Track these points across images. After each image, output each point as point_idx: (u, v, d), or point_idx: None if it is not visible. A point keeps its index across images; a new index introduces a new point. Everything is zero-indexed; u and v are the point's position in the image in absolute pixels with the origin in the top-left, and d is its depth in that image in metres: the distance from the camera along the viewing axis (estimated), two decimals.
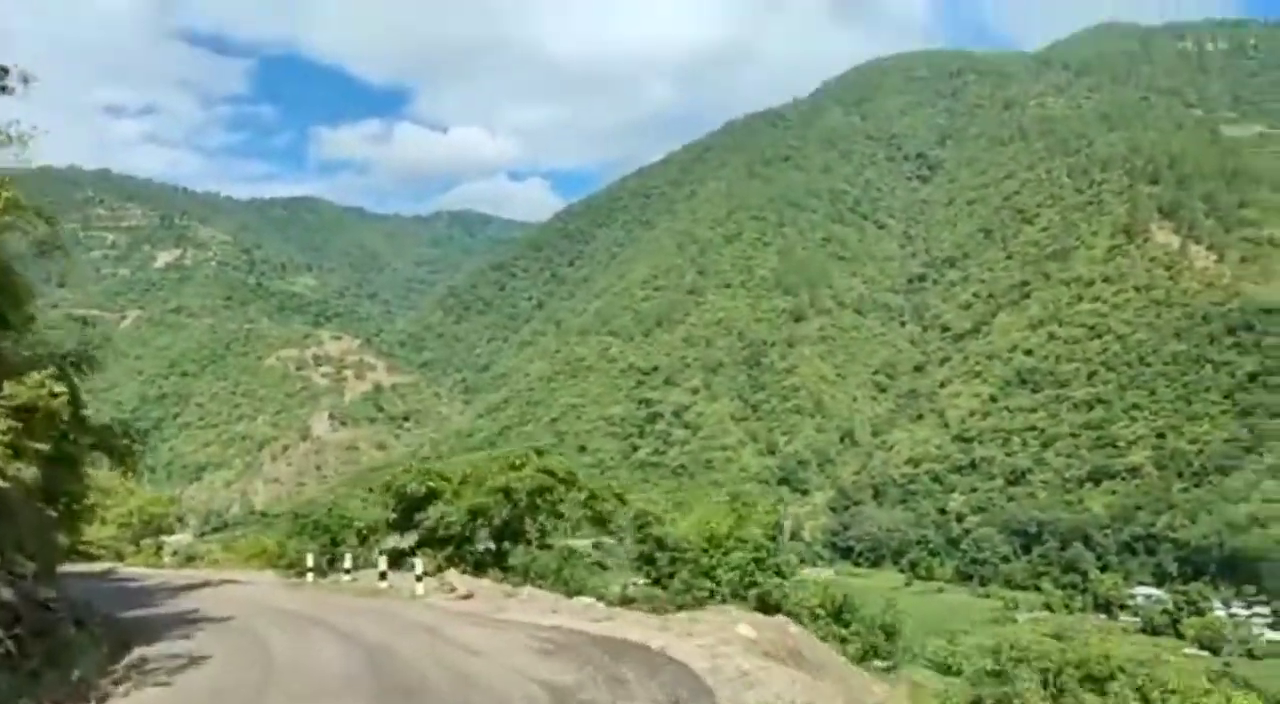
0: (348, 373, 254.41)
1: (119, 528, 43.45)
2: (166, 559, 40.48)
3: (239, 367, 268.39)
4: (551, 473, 26.18)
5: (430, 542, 25.51)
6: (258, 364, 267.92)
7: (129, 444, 20.08)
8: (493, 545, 25.78)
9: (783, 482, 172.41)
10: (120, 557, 40.14)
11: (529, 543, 25.23)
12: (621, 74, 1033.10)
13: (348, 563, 25.19)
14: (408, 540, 26.65)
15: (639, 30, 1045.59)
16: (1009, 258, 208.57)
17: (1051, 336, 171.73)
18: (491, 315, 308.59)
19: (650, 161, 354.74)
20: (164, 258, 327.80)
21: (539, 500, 25.50)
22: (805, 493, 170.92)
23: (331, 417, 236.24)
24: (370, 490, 34.25)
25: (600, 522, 26.89)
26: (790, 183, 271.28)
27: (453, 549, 25.27)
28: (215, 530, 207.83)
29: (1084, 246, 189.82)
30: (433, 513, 25.33)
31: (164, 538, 46.01)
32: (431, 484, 26.01)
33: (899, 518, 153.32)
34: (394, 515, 26.88)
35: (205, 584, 25.49)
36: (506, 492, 25.06)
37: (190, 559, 41.89)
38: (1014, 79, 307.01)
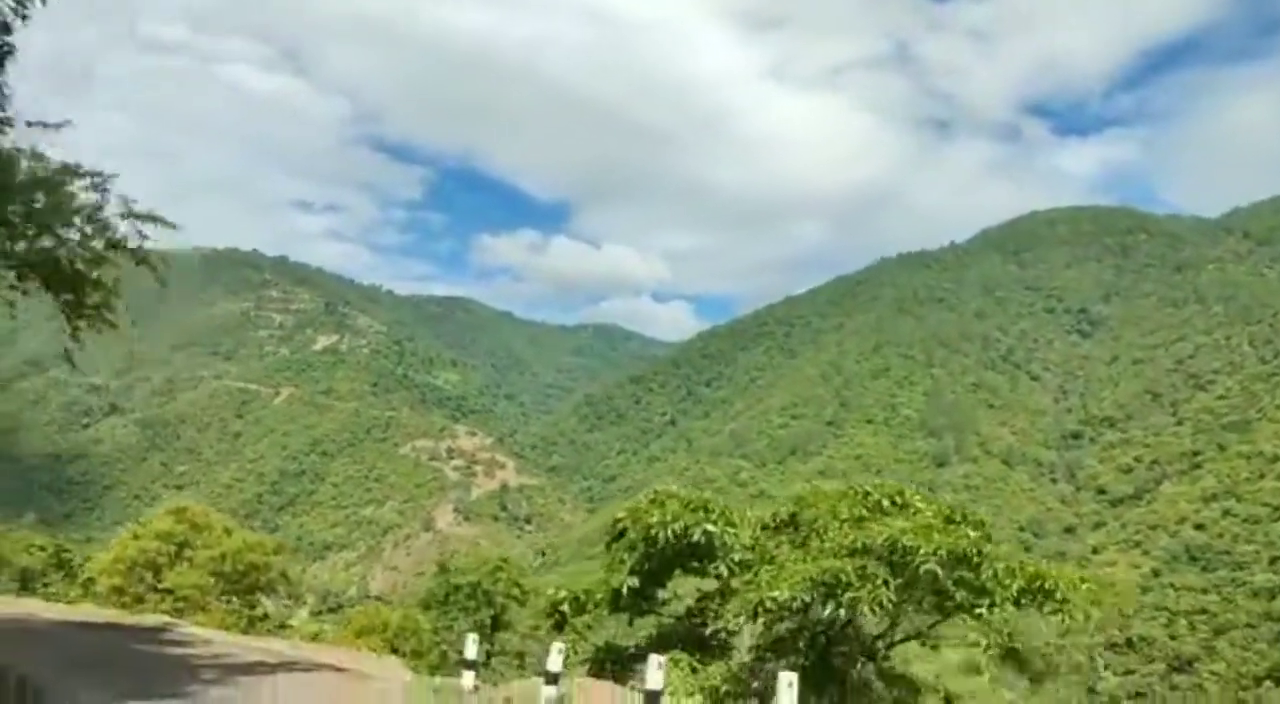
0: (478, 469, 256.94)
1: (209, 576, 34.46)
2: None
3: (375, 452, 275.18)
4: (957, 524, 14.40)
5: (688, 638, 15.08)
6: (393, 451, 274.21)
7: None
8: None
9: None
10: (202, 609, 32.27)
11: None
12: (773, 210, 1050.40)
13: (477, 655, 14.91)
14: (640, 630, 16.34)
15: (795, 169, 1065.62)
16: (1179, 423, 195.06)
17: (1227, 513, 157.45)
18: (624, 427, 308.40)
19: (797, 292, 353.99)
20: (323, 341, 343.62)
21: (958, 573, 13.28)
22: None
23: (456, 511, 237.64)
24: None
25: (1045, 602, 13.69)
26: (942, 323, 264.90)
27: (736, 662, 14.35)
28: (330, 610, 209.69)
29: (1266, 419, 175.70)
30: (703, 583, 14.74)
31: (261, 597, 36.70)
32: (714, 526, 14.27)
33: (1047, 695, 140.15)
34: (628, 581, 14.92)
35: (286, 666, 15.66)
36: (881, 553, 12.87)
37: (281, 627, 36.21)
38: (1187, 241, 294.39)
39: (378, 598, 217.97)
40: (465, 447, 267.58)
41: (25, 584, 46.00)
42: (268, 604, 36.91)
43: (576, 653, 15.77)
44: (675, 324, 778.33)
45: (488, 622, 18.68)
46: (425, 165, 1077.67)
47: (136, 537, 34.86)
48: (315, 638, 33.52)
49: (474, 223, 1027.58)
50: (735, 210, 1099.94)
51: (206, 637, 20.63)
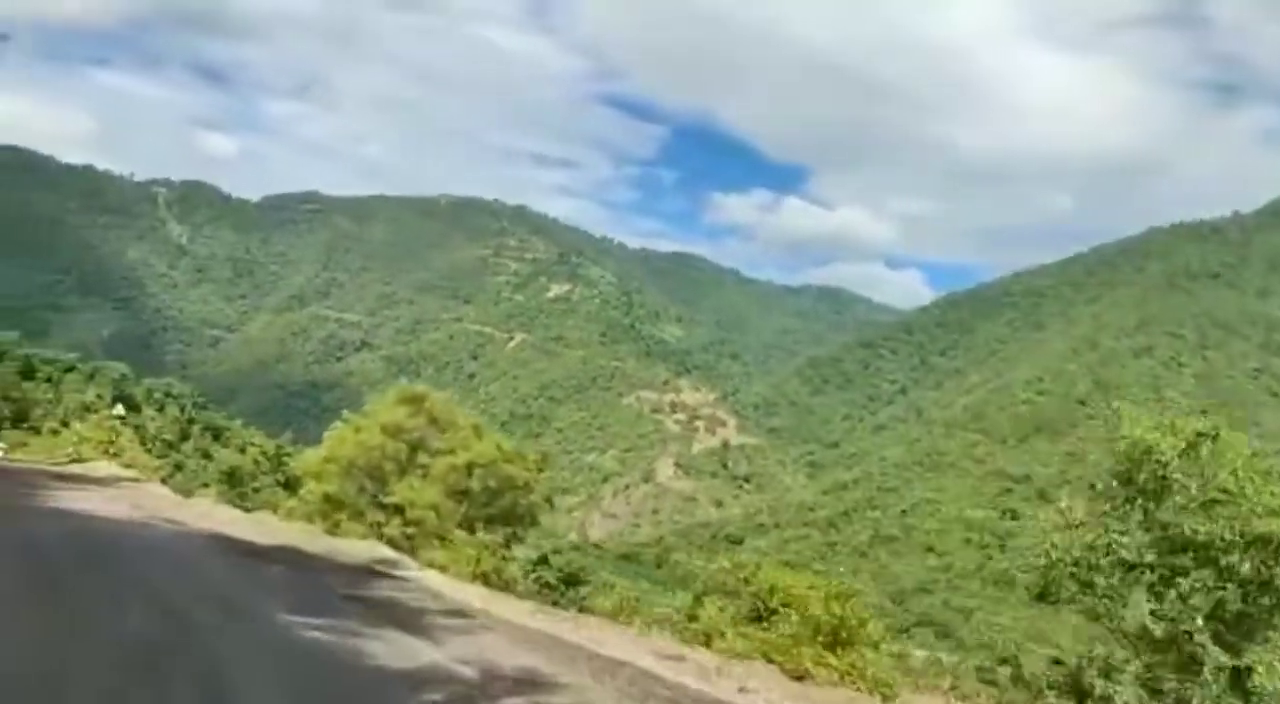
0: (699, 424, 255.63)
1: (448, 493, 25.89)
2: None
3: (600, 400, 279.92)
4: None
5: None
6: (617, 400, 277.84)
7: None
8: None
9: None
10: (441, 538, 23.33)
11: None
12: (1017, 176, 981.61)
13: None
14: None
15: (1046, 135, 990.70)
16: None
17: None
18: (850, 392, 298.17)
19: (1045, 262, 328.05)
20: (555, 290, 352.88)
21: None
22: None
23: (677, 464, 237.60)
24: None
25: None
26: (1219, 301, 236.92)
27: None
28: (554, 552, 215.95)
29: None
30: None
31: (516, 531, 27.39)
32: None
33: None
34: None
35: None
36: None
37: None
38: None
39: (595, 545, 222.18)
40: (688, 401, 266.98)
41: (233, 484, 44.68)
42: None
43: None
44: (904, 290, 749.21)
45: None
46: (661, 123, 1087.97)
47: (358, 430, 27.83)
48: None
49: (706, 181, 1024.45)
50: (977, 176, 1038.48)
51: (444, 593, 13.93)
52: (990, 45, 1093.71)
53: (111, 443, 40.69)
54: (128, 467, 34.57)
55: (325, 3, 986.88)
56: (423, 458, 26.30)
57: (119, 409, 42.48)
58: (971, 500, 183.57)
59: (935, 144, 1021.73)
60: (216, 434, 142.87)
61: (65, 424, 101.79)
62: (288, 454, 51.41)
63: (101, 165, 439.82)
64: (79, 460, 35.65)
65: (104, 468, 33.05)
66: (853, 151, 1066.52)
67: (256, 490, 43.45)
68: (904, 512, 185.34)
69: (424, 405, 27.85)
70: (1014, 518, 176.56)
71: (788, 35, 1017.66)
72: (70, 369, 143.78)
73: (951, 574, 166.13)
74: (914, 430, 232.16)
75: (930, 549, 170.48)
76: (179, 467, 67.76)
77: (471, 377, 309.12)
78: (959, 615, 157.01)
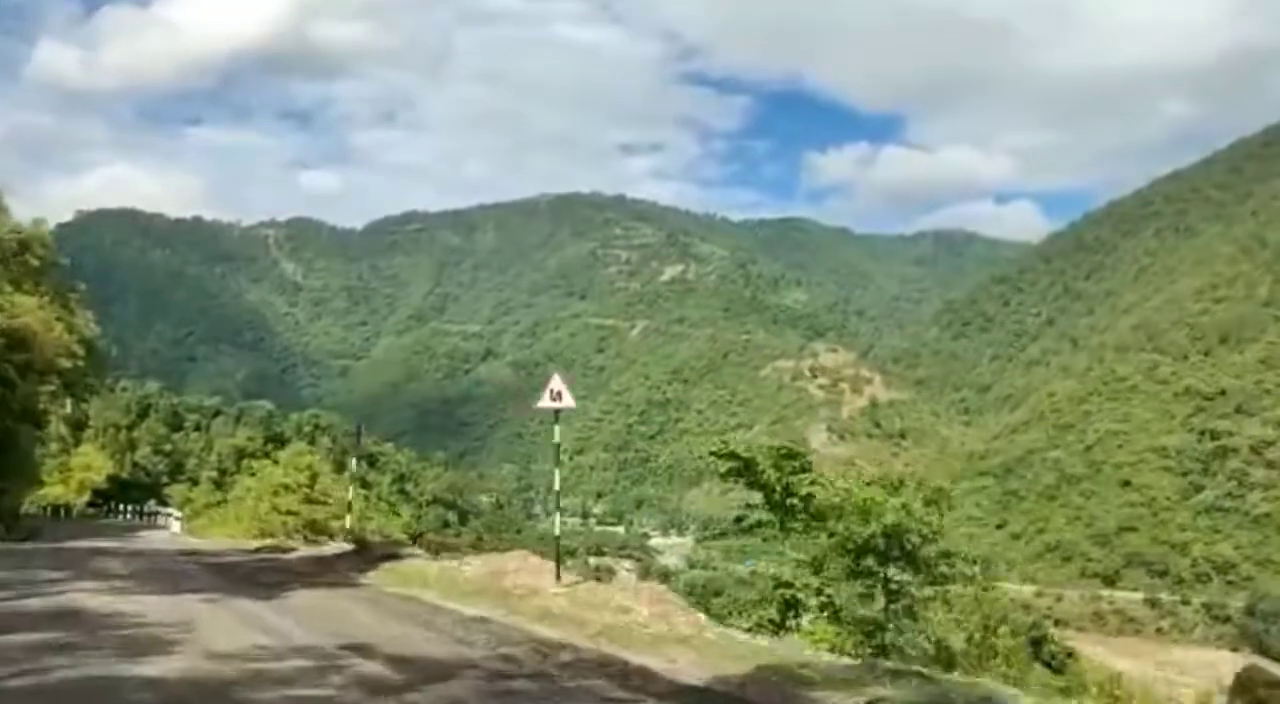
0: (844, 386, 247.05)
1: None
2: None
3: (736, 376, 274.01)
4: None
5: None
6: (753, 374, 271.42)
7: None
8: None
9: None
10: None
11: None
12: (1124, 92, 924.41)
13: None
14: None
15: (1150, 44, 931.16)
16: None
17: None
18: (993, 332, 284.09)
19: (1183, 166, 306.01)
20: (669, 272, 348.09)
21: None
22: None
23: (829, 430, 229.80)
24: None
25: None
26: None
27: None
28: (715, 537, 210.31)
29: None
30: None
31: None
32: None
33: None
34: None
35: None
36: None
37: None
38: None
39: None
40: (827, 364, 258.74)
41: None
42: None
43: None
44: (1020, 223, 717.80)
45: None
46: (744, 94, 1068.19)
47: None
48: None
49: (799, 144, 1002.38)
50: (1082, 98, 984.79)
51: None
52: None
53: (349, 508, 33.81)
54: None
55: (401, 30, 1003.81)
56: None
57: (352, 465, 35.76)
58: (1162, 425, 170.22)
59: (1033, 71, 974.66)
60: (372, 461, 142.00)
61: (223, 472, 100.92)
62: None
63: (209, 216, 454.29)
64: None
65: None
66: (949, 91, 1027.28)
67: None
68: (1088, 447, 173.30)
69: None
70: (1213, 438, 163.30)
71: None
72: (216, 413, 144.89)
73: (1155, 508, 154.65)
74: (1069, 359, 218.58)
75: (1126, 483, 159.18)
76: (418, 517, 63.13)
77: (600, 370, 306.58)
78: (1174, 551, 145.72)
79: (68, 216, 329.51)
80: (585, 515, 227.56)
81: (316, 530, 28.80)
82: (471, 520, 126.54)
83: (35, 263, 35.77)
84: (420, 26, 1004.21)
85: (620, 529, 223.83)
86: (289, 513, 29.62)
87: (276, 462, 35.74)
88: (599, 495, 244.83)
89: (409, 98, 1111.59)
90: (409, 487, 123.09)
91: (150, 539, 34.09)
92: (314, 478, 31.73)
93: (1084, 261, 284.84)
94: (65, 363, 33.67)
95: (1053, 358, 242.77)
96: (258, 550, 23.94)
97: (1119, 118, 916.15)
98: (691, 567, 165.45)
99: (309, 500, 30.47)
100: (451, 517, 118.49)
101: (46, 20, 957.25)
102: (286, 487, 31.23)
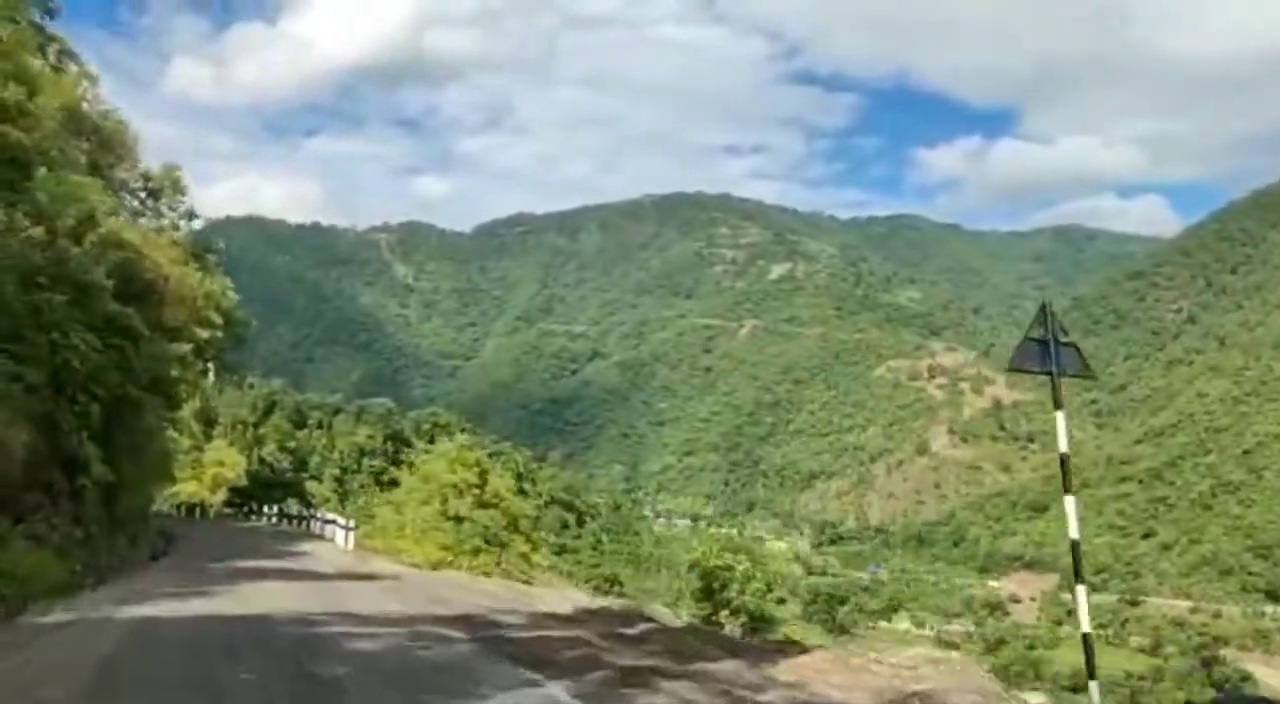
0: (964, 386, 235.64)
1: None
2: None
3: (849, 375, 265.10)
4: None
5: None
6: (867, 374, 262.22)
7: None
8: None
9: None
10: None
11: None
12: (1254, 75, 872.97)
13: None
14: None
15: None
16: None
17: None
18: (1127, 330, 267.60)
19: None
20: (777, 271, 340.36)
21: None
22: None
23: (951, 431, 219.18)
24: None
25: None
26: None
27: None
28: (831, 542, 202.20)
29: None
30: None
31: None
32: None
33: None
34: None
35: None
36: None
37: None
38: None
39: (878, 529, 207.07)
40: (946, 364, 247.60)
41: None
42: None
43: None
44: (1148, 218, 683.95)
45: None
46: (850, 91, 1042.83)
47: None
48: None
49: (907, 140, 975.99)
50: (1208, 84, 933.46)
51: None
52: None
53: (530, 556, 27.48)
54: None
55: (507, 36, 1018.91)
56: None
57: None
58: None
59: (1154, 57, 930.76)
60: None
61: (344, 470, 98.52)
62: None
63: (326, 222, 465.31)
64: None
65: None
66: (1064, 80, 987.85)
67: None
68: (1246, 451, 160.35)
69: None
70: None
71: None
72: (337, 411, 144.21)
73: None
74: (1227, 358, 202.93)
75: None
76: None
77: (708, 370, 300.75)
78: None
79: (198, 225, 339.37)
80: (695, 518, 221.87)
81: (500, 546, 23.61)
82: (588, 522, 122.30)
83: (169, 212, 30.82)
84: (525, 32, 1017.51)
85: (733, 532, 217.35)
86: (462, 520, 24.34)
87: (442, 456, 29.23)
88: (709, 498, 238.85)
89: (512, 103, 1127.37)
90: (526, 486, 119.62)
91: (326, 560, 24.80)
92: (484, 475, 26.38)
93: (1228, 254, 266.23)
94: (201, 332, 27.49)
95: (1197, 357, 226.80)
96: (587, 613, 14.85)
97: (1251, 104, 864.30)
98: (810, 573, 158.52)
99: (480, 504, 25.13)
100: (569, 518, 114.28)
101: (179, 38, 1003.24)
102: (455, 487, 25.61)
